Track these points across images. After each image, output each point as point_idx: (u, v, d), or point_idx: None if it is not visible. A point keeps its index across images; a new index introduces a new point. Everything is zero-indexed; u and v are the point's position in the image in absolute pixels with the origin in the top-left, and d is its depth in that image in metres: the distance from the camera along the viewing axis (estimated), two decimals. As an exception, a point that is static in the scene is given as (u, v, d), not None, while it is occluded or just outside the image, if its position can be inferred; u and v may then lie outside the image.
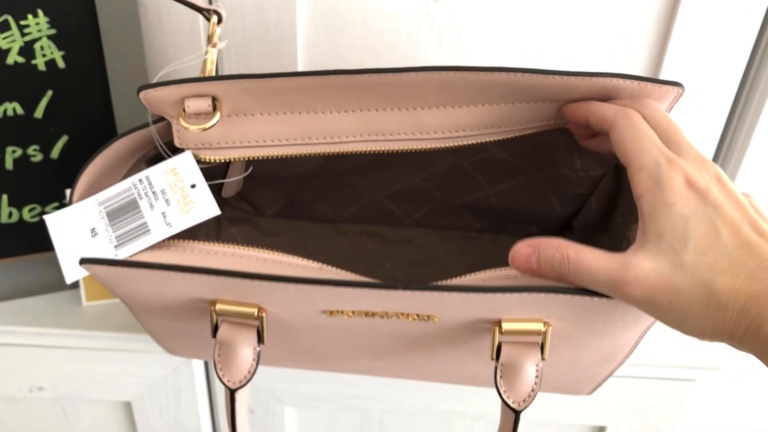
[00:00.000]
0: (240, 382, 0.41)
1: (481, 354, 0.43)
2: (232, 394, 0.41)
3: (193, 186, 0.43)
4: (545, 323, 0.39)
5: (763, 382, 0.76)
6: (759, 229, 0.34)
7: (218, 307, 0.39)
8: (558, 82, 0.40)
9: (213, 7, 0.46)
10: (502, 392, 0.40)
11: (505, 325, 0.39)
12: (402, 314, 0.39)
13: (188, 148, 0.43)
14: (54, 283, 0.63)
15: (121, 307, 0.60)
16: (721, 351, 0.58)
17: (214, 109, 0.42)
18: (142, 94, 0.42)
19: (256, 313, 0.39)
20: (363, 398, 0.64)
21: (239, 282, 0.37)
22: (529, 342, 0.40)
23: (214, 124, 0.42)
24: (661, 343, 0.59)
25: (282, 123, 0.43)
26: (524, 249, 0.38)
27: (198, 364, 0.63)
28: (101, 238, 0.41)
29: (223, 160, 0.44)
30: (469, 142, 0.43)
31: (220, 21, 0.46)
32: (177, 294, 0.39)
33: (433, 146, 0.43)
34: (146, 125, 0.44)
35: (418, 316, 0.39)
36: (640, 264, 0.34)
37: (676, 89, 0.40)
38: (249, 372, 0.41)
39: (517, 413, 0.41)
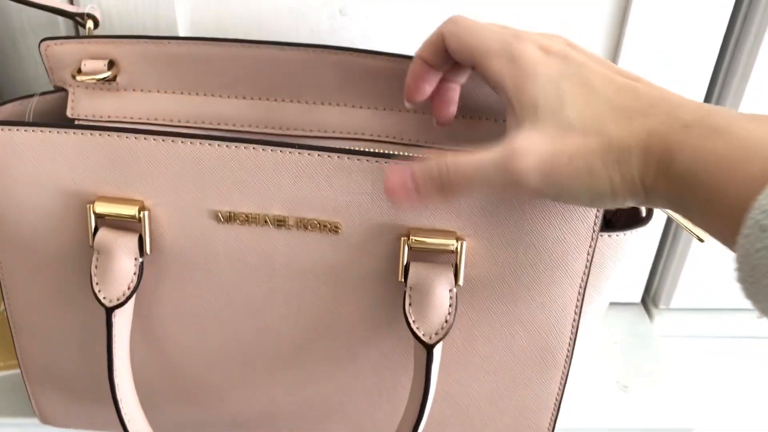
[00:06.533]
0: (118, 299, 0.36)
1: (394, 320, 0.38)
2: (108, 314, 0.36)
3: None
4: (458, 237, 0.35)
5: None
6: (629, 76, 0.31)
7: (98, 207, 0.36)
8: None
9: (86, 9, 0.42)
10: (411, 322, 0.36)
11: (414, 237, 0.35)
12: (303, 222, 0.35)
13: (79, 120, 0.42)
14: None
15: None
16: (694, 411, 0.52)
17: (110, 71, 0.41)
18: (43, 47, 0.41)
19: (137, 213, 0.35)
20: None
21: (127, 147, 0.34)
22: (441, 263, 0.36)
23: (107, 78, 0.41)
24: (629, 405, 0.52)
25: (177, 102, 0.42)
26: (397, 174, 0.32)
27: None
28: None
29: None
30: (368, 148, 0.41)
31: (96, 25, 0.43)
32: (55, 187, 0.36)
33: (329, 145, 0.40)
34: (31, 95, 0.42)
35: (320, 224, 0.35)
36: (525, 138, 0.30)
37: None
38: (129, 288, 0.36)
39: (429, 348, 0.35)
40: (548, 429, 0.43)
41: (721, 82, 0.51)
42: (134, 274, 0.36)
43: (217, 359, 0.41)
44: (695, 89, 0.50)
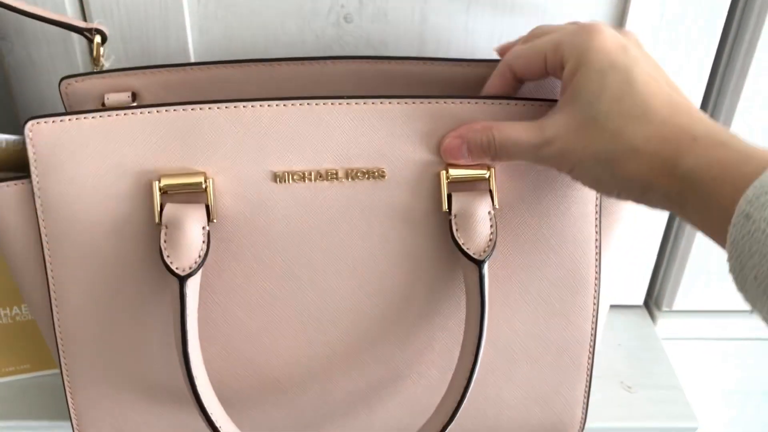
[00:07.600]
0: (190, 267, 0.38)
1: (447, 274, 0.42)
2: (181, 283, 0.38)
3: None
4: (488, 167, 0.41)
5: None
6: (672, 86, 0.36)
7: (163, 182, 0.38)
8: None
9: (94, 25, 0.44)
10: (461, 244, 0.40)
11: (452, 170, 0.40)
12: (352, 172, 0.40)
13: None
14: None
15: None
16: (698, 412, 0.53)
17: (134, 102, 0.44)
18: (63, 85, 0.43)
19: (203, 182, 0.39)
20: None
21: (192, 119, 0.37)
22: (478, 191, 0.41)
23: None
24: (633, 406, 0.54)
25: None
26: (453, 141, 0.40)
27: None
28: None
29: None
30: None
31: (104, 40, 0.44)
32: (119, 170, 0.38)
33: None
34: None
35: (366, 172, 0.40)
36: (555, 123, 0.36)
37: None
38: (199, 256, 0.39)
39: (479, 264, 0.40)
40: (587, 367, 0.47)
41: (722, 71, 0.53)
42: (203, 242, 0.39)
43: (276, 344, 0.43)
44: (694, 80, 0.52)
